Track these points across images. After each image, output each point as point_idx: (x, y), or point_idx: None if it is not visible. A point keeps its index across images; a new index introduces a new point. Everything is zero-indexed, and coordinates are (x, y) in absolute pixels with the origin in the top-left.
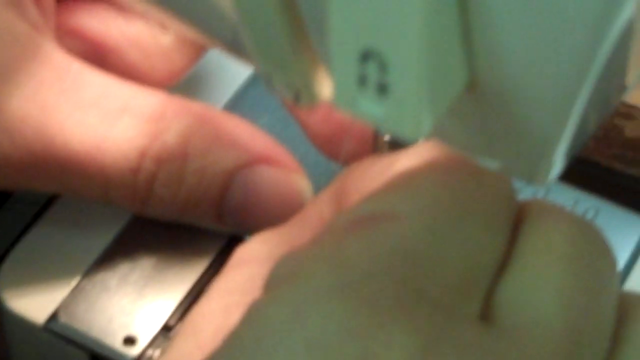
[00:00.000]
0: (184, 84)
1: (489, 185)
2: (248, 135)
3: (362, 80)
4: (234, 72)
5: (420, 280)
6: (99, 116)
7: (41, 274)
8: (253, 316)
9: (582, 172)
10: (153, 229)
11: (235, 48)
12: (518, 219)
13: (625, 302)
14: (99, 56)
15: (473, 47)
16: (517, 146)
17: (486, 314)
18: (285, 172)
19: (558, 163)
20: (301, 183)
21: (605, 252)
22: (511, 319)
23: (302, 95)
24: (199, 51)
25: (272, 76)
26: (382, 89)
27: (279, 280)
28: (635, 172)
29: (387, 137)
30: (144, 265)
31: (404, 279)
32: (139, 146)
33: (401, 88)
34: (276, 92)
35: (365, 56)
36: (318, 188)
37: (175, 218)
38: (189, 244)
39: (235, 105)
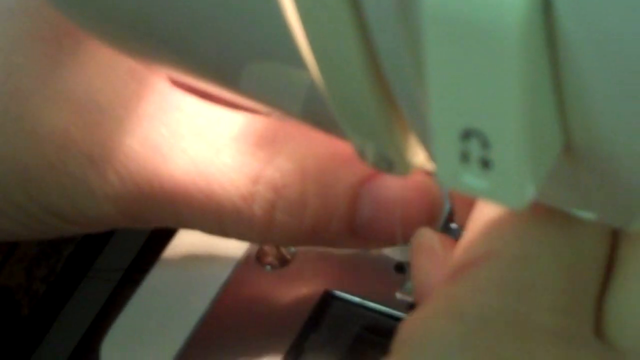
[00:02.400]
0: None
1: None
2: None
3: (464, 157)
4: None
5: (530, 312)
6: (204, 145)
7: (142, 346)
8: None
9: None
10: (232, 317)
11: (316, 120)
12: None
13: None
14: None
15: (567, 114)
16: (613, 199)
17: (598, 331)
18: (410, 179)
19: None
20: (428, 183)
21: None
22: (625, 337)
23: (396, 165)
24: None
25: (364, 147)
26: (485, 164)
27: (403, 344)
28: None
29: None
30: (239, 329)
31: (514, 314)
32: (249, 172)
33: (504, 163)
34: (369, 163)
35: (467, 134)
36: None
37: (306, 243)
38: (267, 327)
39: None
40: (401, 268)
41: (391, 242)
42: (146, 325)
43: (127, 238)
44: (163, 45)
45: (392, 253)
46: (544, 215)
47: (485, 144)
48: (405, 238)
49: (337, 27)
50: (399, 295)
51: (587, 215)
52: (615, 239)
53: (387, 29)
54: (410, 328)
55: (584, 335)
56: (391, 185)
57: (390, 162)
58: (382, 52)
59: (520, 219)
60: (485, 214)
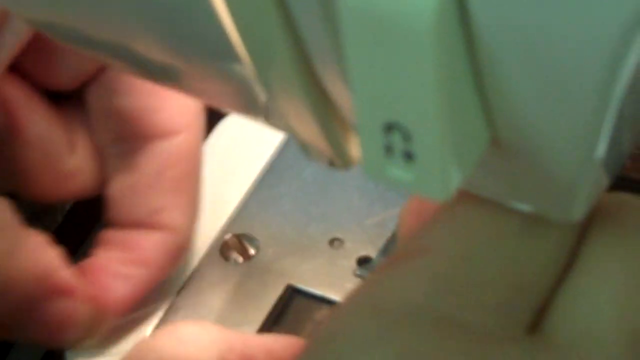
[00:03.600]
0: (226, 142)
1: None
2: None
3: (388, 150)
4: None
5: (457, 309)
6: None
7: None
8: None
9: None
10: (211, 289)
11: (271, 119)
12: (585, 225)
13: None
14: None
15: (491, 109)
16: (545, 192)
17: (541, 326)
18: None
19: (590, 198)
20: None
21: None
22: (563, 332)
23: (336, 160)
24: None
25: (306, 145)
26: (409, 156)
27: (322, 338)
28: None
29: None
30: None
31: (439, 312)
32: None
33: (426, 155)
34: (312, 158)
35: (389, 127)
36: (367, 236)
37: None
38: (244, 298)
39: (279, 159)
40: (364, 261)
41: None
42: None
43: None
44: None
45: (355, 247)
46: (485, 213)
47: (407, 136)
48: None
49: (266, 25)
50: (357, 275)
51: (523, 207)
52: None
53: (313, 28)
54: (331, 321)
55: (512, 333)
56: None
57: (331, 158)
58: (312, 51)
59: (459, 216)
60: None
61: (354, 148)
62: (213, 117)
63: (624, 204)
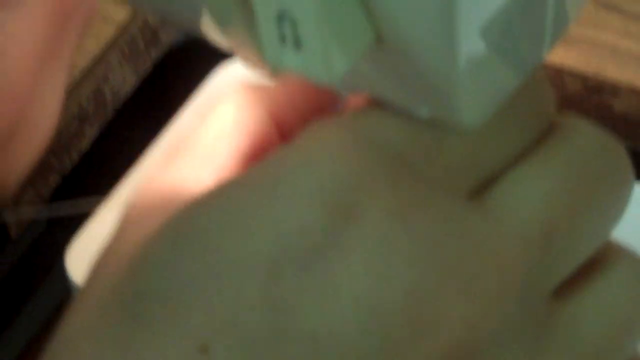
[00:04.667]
0: (216, 82)
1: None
2: None
3: (282, 38)
4: None
5: (415, 157)
6: None
7: None
8: (276, 155)
9: None
10: None
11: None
12: (551, 127)
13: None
14: None
15: (370, 5)
16: (433, 93)
17: (481, 194)
18: None
19: (481, 105)
20: None
21: (618, 179)
22: (496, 202)
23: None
24: None
25: (244, 56)
26: (298, 43)
27: (303, 132)
28: (631, 144)
29: None
30: None
31: (400, 154)
32: None
33: (310, 41)
34: (248, 66)
35: (281, 17)
36: None
37: None
38: None
39: None
40: None
41: None
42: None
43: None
44: None
45: None
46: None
47: (294, 24)
48: None
49: None
50: None
51: (421, 112)
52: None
53: None
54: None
55: (455, 190)
56: None
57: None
58: None
59: None
60: None
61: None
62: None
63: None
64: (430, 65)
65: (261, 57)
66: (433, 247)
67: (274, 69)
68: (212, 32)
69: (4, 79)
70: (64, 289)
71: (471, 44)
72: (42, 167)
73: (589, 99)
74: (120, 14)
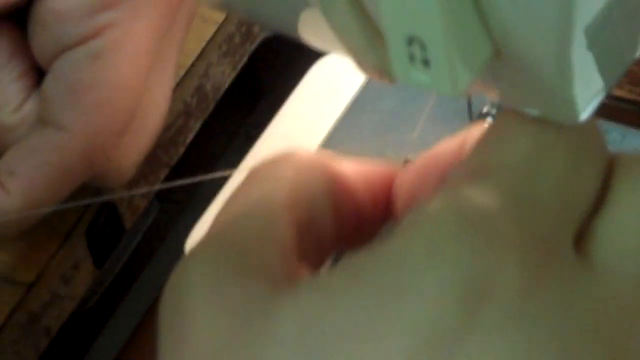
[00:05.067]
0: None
1: (577, 133)
2: None
3: (411, 58)
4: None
5: (528, 219)
6: None
7: None
8: (385, 253)
9: (610, 107)
10: None
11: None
12: (611, 167)
13: None
14: None
15: (488, 24)
16: (546, 95)
17: (580, 249)
18: None
19: (588, 100)
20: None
21: None
22: (600, 252)
23: (385, 74)
24: None
25: (360, 62)
26: (426, 63)
27: (408, 225)
28: None
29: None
30: None
31: (514, 218)
32: None
33: (438, 61)
34: (366, 73)
35: (410, 40)
36: None
37: None
38: None
39: (364, 91)
40: None
41: None
42: None
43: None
44: None
45: None
46: (530, 130)
47: (423, 46)
48: None
49: None
50: None
51: (532, 111)
52: (607, 181)
53: None
54: (416, 213)
55: (565, 248)
56: None
57: (381, 72)
58: None
59: (508, 137)
60: (474, 135)
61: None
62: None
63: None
64: (545, 71)
65: (373, 64)
66: (567, 315)
67: (401, 81)
68: (314, 37)
69: (119, 74)
70: None
71: (582, 48)
72: (152, 162)
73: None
74: (219, 15)
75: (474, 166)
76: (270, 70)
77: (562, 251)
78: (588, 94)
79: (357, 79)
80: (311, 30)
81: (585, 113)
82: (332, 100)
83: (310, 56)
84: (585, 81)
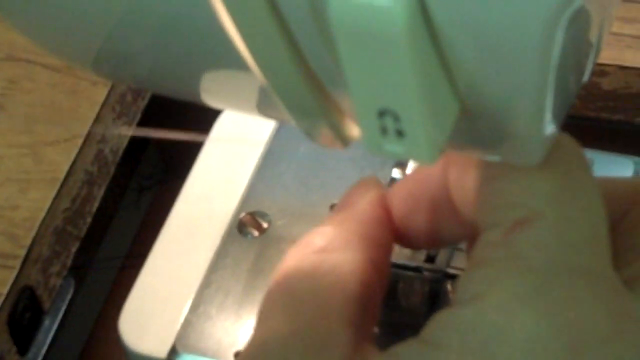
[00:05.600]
0: (227, 135)
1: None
2: None
3: (383, 130)
4: None
5: (583, 258)
6: None
7: (153, 317)
8: (456, 323)
9: (574, 127)
10: (235, 263)
11: (271, 115)
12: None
13: None
14: None
15: (457, 85)
16: (510, 145)
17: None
18: None
19: (548, 141)
20: None
21: None
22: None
23: (336, 139)
24: None
25: (308, 128)
26: (400, 134)
27: (474, 295)
28: (621, 117)
29: None
30: (235, 293)
31: (571, 266)
32: None
33: (413, 131)
34: (314, 140)
35: (382, 113)
36: None
37: None
38: (264, 264)
39: (275, 142)
40: None
41: None
42: (155, 297)
43: (122, 230)
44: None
45: None
46: (564, 172)
47: (396, 118)
48: None
49: (267, 35)
50: None
51: (494, 158)
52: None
53: (307, 34)
54: (475, 285)
55: (618, 281)
56: None
57: (332, 138)
58: (307, 53)
59: (545, 181)
60: (454, 160)
61: (350, 129)
62: (210, 114)
63: None
64: (518, 122)
65: (324, 131)
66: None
67: (372, 153)
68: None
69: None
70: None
71: (551, 92)
72: (62, 238)
73: None
74: None
75: (511, 219)
76: (166, 120)
77: (619, 285)
78: (548, 139)
79: (264, 128)
80: (232, 97)
81: (543, 156)
82: (243, 153)
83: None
84: (548, 124)
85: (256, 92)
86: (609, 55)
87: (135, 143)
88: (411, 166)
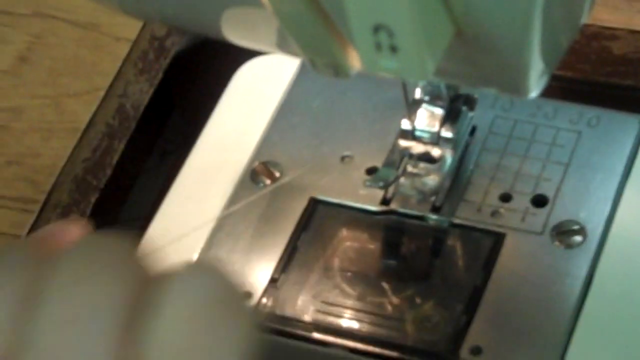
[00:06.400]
0: (245, 86)
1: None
2: None
3: (378, 46)
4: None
5: None
6: None
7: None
8: None
9: (585, 92)
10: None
11: (282, 47)
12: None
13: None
14: None
15: (452, 7)
16: (502, 74)
17: None
18: None
19: (538, 78)
20: None
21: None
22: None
23: (340, 70)
24: None
25: (314, 61)
26: (394, 49)
27: None
28: (631, 82)
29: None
30: (245, 238)
31: None
32: None
33: (406, 46)
34: (320, 72)
35: (377, 28)
36: (371, 150)
37: None
38: (274, 212)
39: (290, 95)
40: (372, 171)
41: None
42: (169, 239)
43: (142, 193)
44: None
45: (363, 160)
46: None
47: (390, 34)
48: None
49: None
50: (367, 185)
51: (490, 90)
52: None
53: None
54: None
55: None
56: None
57: (335, 69)
58: None
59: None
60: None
61: (354, 59)
62: (231, 65)
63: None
64: (506, 47)
65: (329, 61)
66: None
67: (368, 70)
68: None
69: None
70: None
71: (538, 28)
72: (82, 187)
73: (589, 45)
74: (130, 32)
75: None
76: (187, 83)
77: None
78: (538, 73)
79: (280, 84)
80: (249, 30)
81: (535, 92)
82: (259, 106)
83: (222, 70)
84: (536, 61)
85: (268, 26)
86: (620, 19)
87: (160, 107)
88: (420, 118)
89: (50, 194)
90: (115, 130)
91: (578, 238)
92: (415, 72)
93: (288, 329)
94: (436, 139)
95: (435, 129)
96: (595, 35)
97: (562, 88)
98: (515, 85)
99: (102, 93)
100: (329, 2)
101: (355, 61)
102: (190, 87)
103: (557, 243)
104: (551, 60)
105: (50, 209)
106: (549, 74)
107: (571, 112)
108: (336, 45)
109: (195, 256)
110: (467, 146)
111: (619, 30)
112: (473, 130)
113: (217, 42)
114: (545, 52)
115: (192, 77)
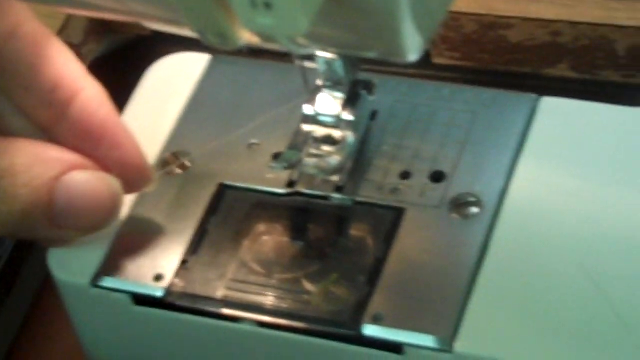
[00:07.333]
0: (155, 83)
1: None
2: (59, 151)
3: (253, 4)
4: None
5: None
6: None
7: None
8: None
9: (486, 82)
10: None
11: (175, 22)
12: None
13: None
14: None
15: None
16: (378, 36)
17: None
18: (97, 174)
19: (416, 41)
20: (112, 182)
21: None
22: None
23: (228, 40)
24: None
25: (203, 32)
26: (268, 6)
27: None
28: (528, 70)
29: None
30: (156, 223)
31: None
32: None
33: (279, 2)
34: (210, 43)
35: None
36: (276, 138)
37: (15, 232)
38: (184, 199)
39: (200, 91)
40: (277, 156)
41: (85, 230)
42: None
43: None
44: None
45: (269, 146)
46: None
47: None
48: (93, 226)
49: None
50: (271, 167)
51: (370, 54)
52: None
53: None
54: None
55: None
56: (82, 178)
57: (224, 38)
58: None
59: None
60: None
61: (239, 29)
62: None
63: None
64: (378, 10)
65: (216, 30)
66: None
67: (247, 28)
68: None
69: None
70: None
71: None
72: None
73: (486, 35)
74: None
75: None
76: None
77: None
78: (414, 35)
79: (190, 79)
80: (140, 3)
81: (413, 55)
82: (170, 100)
83: (139, 75)
84: (410, 23)
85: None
86: (514, 8)
87: None
88: (321, 102)
89: None
90: None
91: (474, 209)
92: (290, 26)
93: (199, 307)
94: (338, 122)
95: (337, 112)
96: (492, 25)
97: (463, 79)
98: (392, 49)
99: None
100: None
101: (242, 31)
102: (108, 94)
103: (454, 215)
104: (428, 24)
105: None
106: (428, 37)
107: (468, 95)
108: (222, 14)
109: (108, 242)
110: (368, 129)
111: (513, 19)
112: (374, 115)
113: (135, 49)
114: (420, 14)
115: (109, 84)
